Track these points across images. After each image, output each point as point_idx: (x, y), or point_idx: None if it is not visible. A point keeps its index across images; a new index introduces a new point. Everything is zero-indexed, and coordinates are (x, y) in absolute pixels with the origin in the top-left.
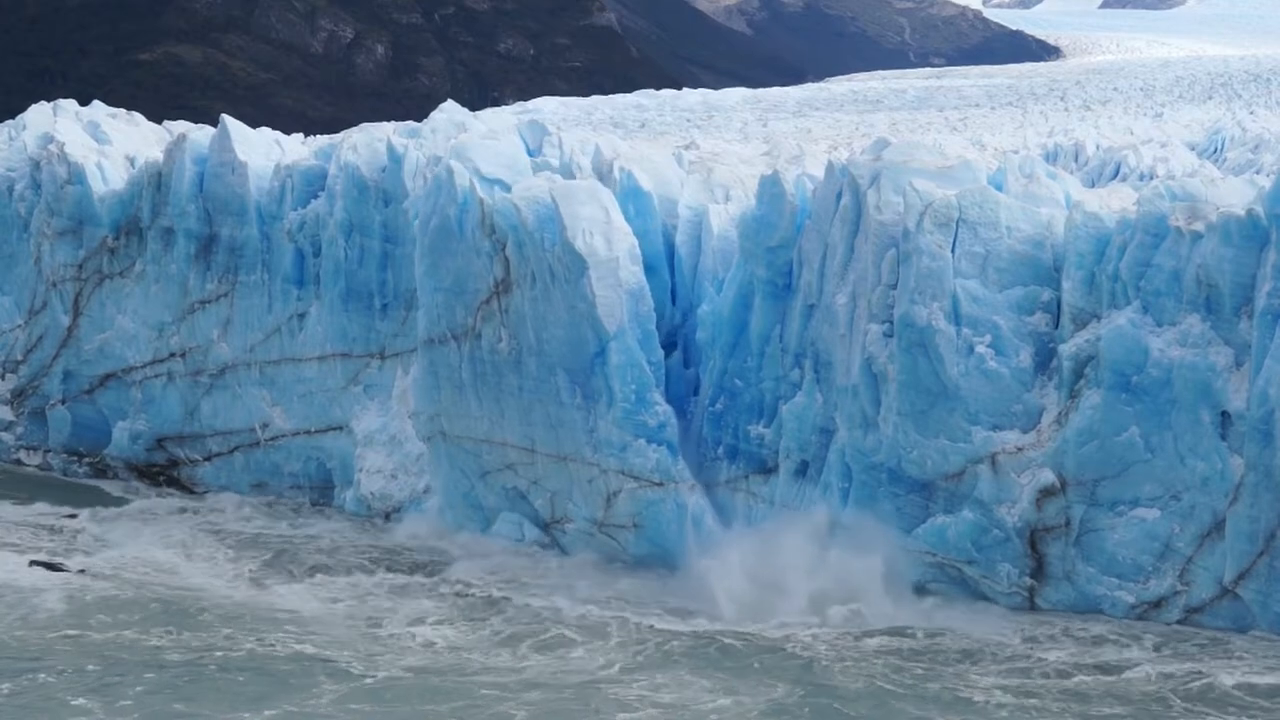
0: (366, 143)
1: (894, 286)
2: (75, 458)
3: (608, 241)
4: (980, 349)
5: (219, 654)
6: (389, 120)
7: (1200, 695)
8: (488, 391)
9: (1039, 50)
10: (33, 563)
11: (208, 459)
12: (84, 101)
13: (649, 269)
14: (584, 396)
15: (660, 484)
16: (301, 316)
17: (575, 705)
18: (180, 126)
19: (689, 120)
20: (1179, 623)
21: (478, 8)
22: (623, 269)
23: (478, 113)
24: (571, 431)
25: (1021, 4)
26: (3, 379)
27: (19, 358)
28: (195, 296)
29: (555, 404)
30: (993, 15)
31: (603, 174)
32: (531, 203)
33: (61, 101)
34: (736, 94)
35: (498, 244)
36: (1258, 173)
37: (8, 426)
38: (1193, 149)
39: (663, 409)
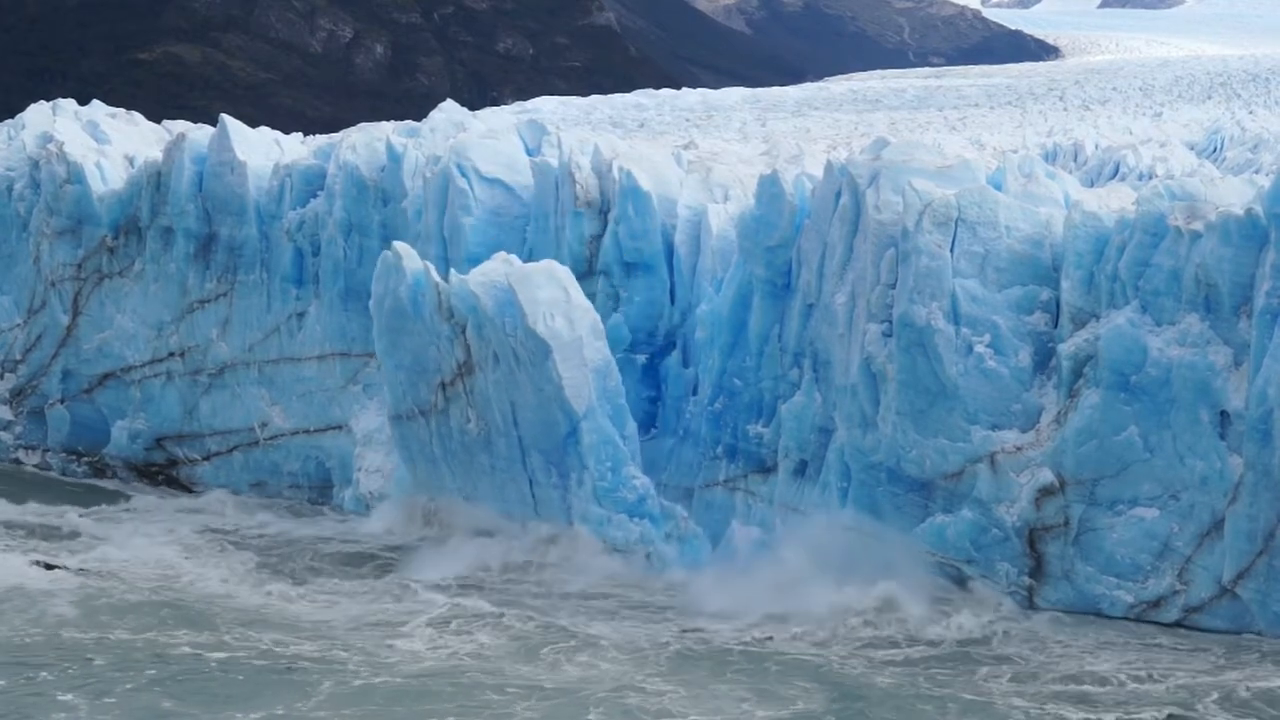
0: (366, 142)
1: (893, 286)
2: (74, 457)
3: (569, 321)
4: (979, 348)
5: (216, 653)
6: (388, 120)
7: (1222, 701)
8: (459, 468)
9: (1038, 50)
10: (33, 562)
11: (207, 458)
12: (83, 101)
13: (648, 269)
14: (559, 475)
15: (647, 557)
16: (300, 316)
17: (588, 712)
18: (180, 126)
19: (688, 120)
20: (1178, 623)
21: (477, 7)
22: (587, 347)
23: (477, 112)
24: (549, 509)
25: (1020, 4)
26: (1, 378)
27: (18, 357)
28: (194, 296)
29: (530, 482)
30: (992, 15)
31: (602, 173)
32: (489, 287)
33: (61, 101)
34: (735, 94)
35: (457, 327)
36: (1257, 172)
37: (7, 426)
38: (1192, 148)
39: (641, 482)
